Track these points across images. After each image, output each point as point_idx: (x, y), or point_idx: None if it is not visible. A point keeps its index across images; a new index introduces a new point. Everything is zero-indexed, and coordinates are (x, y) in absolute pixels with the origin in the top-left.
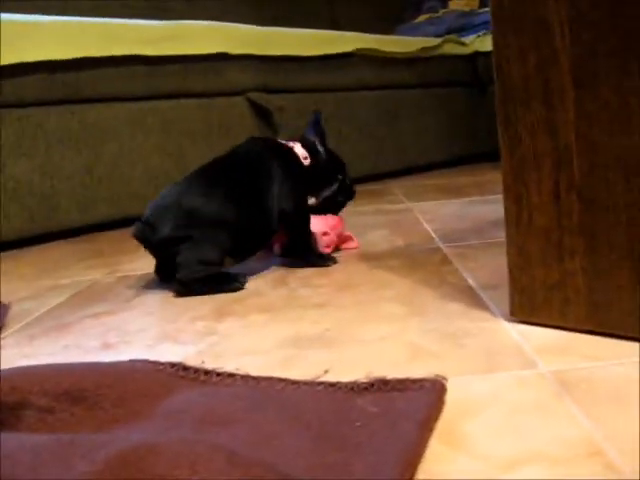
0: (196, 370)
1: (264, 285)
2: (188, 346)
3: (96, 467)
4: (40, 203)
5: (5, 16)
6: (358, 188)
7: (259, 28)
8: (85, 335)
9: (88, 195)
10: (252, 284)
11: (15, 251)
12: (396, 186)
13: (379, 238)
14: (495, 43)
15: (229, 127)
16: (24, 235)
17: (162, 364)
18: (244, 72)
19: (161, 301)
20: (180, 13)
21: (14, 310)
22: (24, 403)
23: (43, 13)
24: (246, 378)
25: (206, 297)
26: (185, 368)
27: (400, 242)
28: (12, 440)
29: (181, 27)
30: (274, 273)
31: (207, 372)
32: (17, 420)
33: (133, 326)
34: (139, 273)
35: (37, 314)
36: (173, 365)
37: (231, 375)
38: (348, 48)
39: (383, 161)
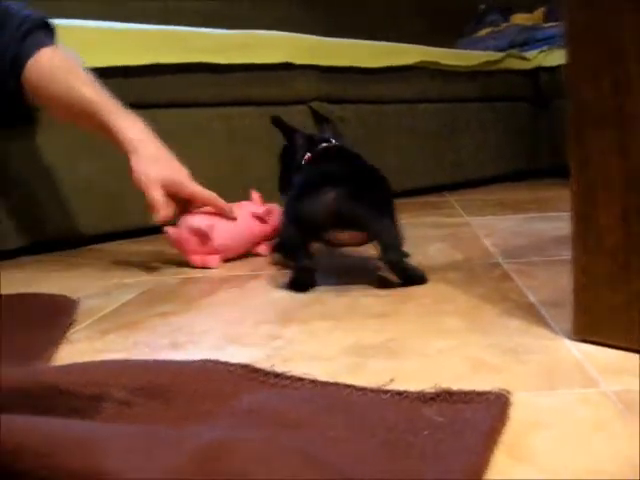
0: (266, 373)
1: (327, 293)
2: (254, 349)
3: (180, 459)
4: (108, 203)
5: (86, 23)
6: (417, 200)
7: (323, 39)
8: (153, 333)
9: None
10: (314, 292)
11: (83, 249)
12: (454, 199)
13: (437, 251)
14: (569, 62)
15: None
16: (91, 233)
17: (233, 365)
18: (307, 82)
19: (225, 304)
20: (246, 20)
21: (83, 306)
22: (103, 395)
23: (120, 19)
24: (314, 383)
25: (269, 302)
26: (255, 370)
27: (459, 256)
28: (104, 428)
29: (248, 36)
30: (337, 281)
31: (277, 375)
32: (95, 411)
33: (199, 327)
34: (201, 275)
35: (106, 311)
36: (243, 367)
37: (300, 379)
38: (410, 60)
39: (442, 174)
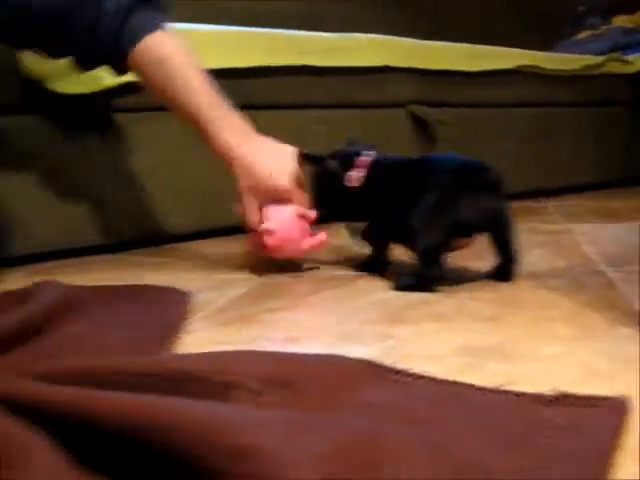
0: (388, 369)
1: (432, 295)
2: (367, 348)
3: (327, 446)
4: (212, 201)
5: (193, 26)
6: (515, 204)
7: (420, 42)
8: (267, 327)
9: None
10: (420, 293)
11: (188, 243)
12: (552, 205)
13: (538, 258)
14: None
15: (388, 138)
16: (197, 229)
17: (356, 360)
18: (405, 85)
19: (332, 302)
20: (338, 22)
21: (195, 299)
22: (233, 383)
23: (219, 22)
24: (434, 380)
25: (377, 302)
26: (377, 366)
27: (561, 263)
28: (251, 412)
29: (346, 39)
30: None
31: (397, 372)
32: (226, 398)
33: (310, 323)
34: (305, 274)
35: (218, 305)
36: (366, 362)
37: (420, 377)
38: (509, 65)
39: (539, 179)
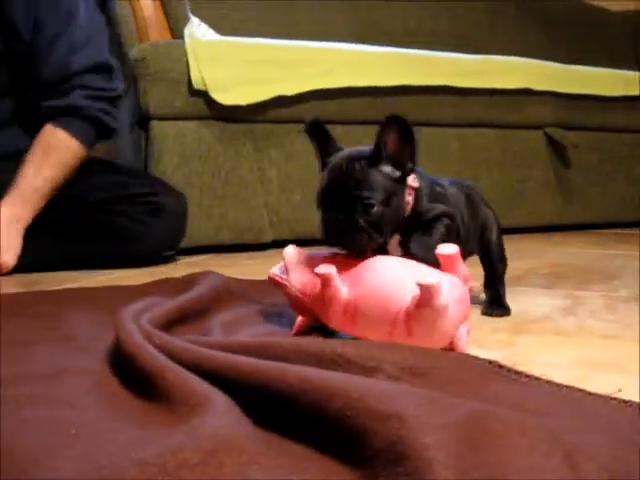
0: (508, 369)
1: (554, 312)
2: (490, 352)
3: (457, 416)
4: None
5: (342, 45)
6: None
7: (562, 66)
8: None
9: None
10: (543, 310)
11: None
12: None
13: None
14: None
15: (524, 159)
16: None
17: (481, 359)
18: (544, 107)
19: None
20: (483, 44)
21: None
22: (377, 368)
23: (364, 42)
24: (550, 383)
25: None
26: (500, 366)
27: None
28: (398, 386)
29: (488, 62)
30: (563, 302)
31: (517, 372)
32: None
33: None
34: None
35: None
36: (490, 362)
37: (537, 378)
38: None
39: None
